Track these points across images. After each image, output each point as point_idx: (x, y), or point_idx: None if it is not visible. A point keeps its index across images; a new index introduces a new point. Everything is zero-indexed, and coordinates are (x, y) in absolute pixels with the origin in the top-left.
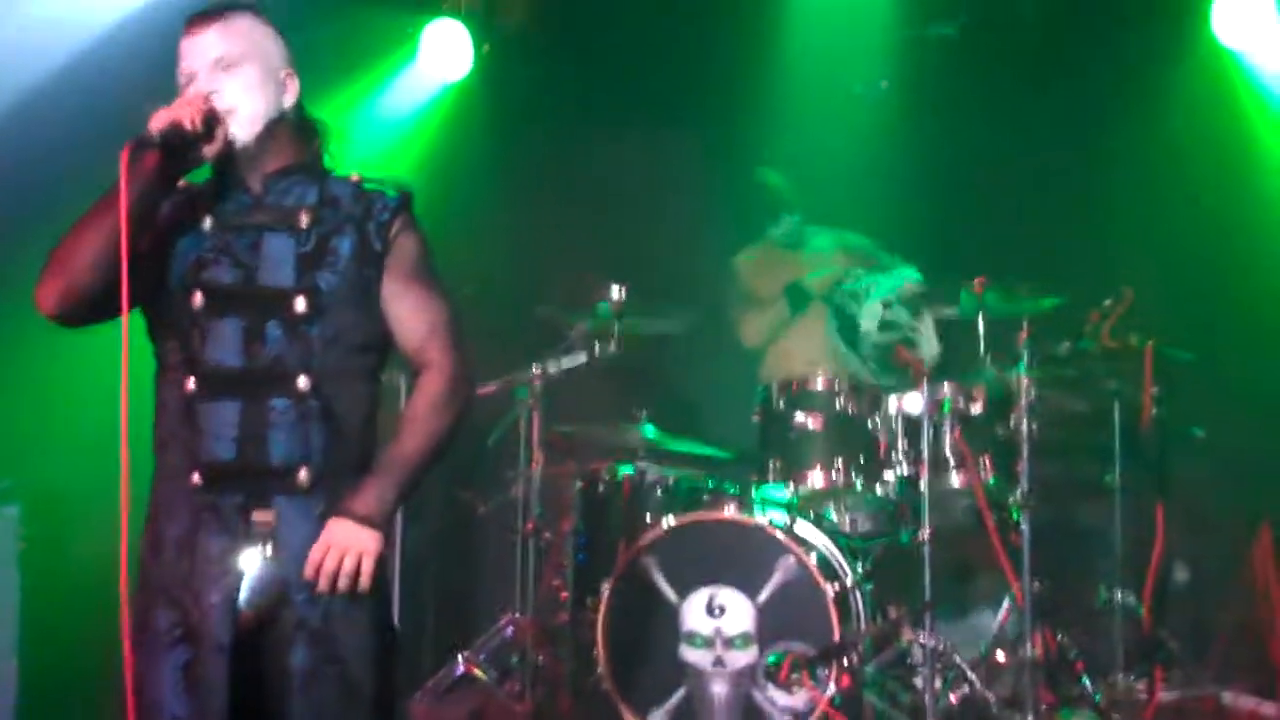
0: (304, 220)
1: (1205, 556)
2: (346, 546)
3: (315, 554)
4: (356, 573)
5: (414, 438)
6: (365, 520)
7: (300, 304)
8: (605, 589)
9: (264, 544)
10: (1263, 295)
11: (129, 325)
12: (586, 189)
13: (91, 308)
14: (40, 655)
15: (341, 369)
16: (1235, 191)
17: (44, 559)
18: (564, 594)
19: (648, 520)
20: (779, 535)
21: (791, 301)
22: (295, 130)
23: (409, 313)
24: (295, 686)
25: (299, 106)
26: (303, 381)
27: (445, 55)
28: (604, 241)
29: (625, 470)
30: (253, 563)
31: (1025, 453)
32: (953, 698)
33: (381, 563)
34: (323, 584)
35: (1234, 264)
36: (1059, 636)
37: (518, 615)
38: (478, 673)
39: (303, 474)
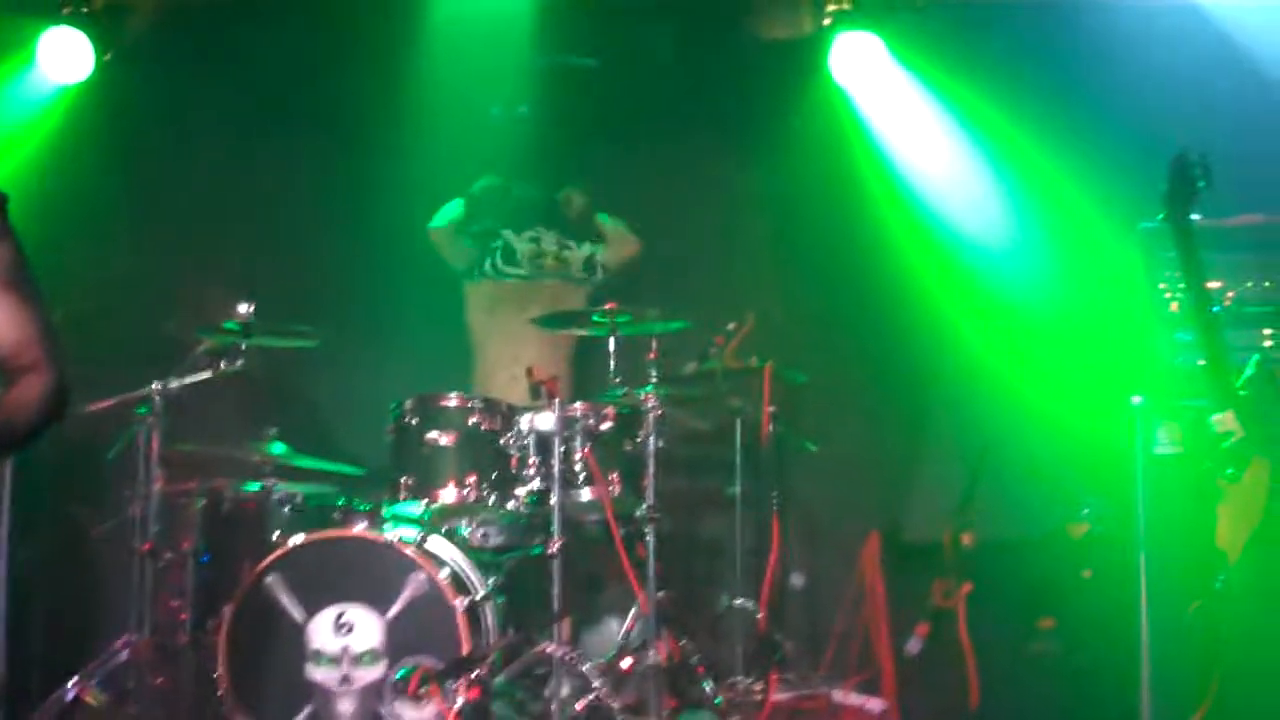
0: None
1: (818, 563)
2: None
3: None
4: None
5: None
6: None
7: None
8: (227, 609)
9: None
10: (870, 320)
11: None
12: (215, 201)
13: None
14: None
15: None
16: (846, 224)
17: None
18: (183, 615)
19: (275, 538)
20: (409, 551)
21: None
22: None
23: (2, 321)
24: None
25: None
26: None
27: (63, 62)
28: (232, 255)
29: (251, 488)
30: None
31: (651, 468)
32: (579, 705)
33: None
34: None
35: (845, 291)
36: (682, 642)
37: (134, 637)
38: (90, 699)
39: None
